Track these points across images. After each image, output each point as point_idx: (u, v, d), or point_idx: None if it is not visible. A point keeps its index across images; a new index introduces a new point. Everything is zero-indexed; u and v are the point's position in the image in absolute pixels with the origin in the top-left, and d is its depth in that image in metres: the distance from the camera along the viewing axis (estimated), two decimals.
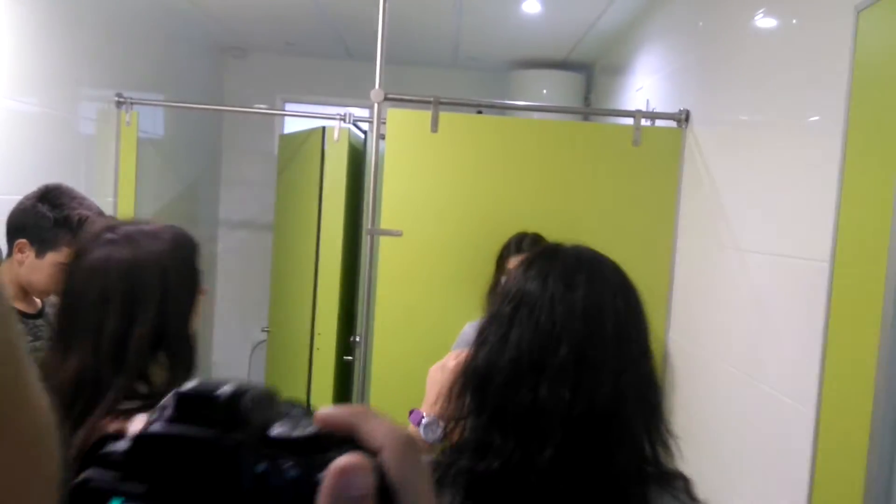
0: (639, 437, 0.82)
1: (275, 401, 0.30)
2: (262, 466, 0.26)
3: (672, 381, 2.22)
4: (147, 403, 0.98)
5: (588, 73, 3.87)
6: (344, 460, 0.26)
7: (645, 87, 2.71)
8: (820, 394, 1.35)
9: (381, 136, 2.28)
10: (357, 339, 2.82)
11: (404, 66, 4.05)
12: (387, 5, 2.19)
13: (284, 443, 0.27)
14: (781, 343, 1.54)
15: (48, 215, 1.52)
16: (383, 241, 2.23)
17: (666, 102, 2.43)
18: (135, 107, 2.90)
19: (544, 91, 3.81)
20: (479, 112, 3.61)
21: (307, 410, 0.30)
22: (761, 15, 1.76)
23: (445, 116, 2.23)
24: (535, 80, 3.86)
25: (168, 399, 0.28)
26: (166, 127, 3.57)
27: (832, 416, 1.31)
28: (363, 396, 2.28)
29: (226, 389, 0.28)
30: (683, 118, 2.20)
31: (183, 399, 0.28)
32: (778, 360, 1.56)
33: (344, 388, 3.25)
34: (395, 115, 2.24)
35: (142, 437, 0.27)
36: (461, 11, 3.10)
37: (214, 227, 4.38)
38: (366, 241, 2.25)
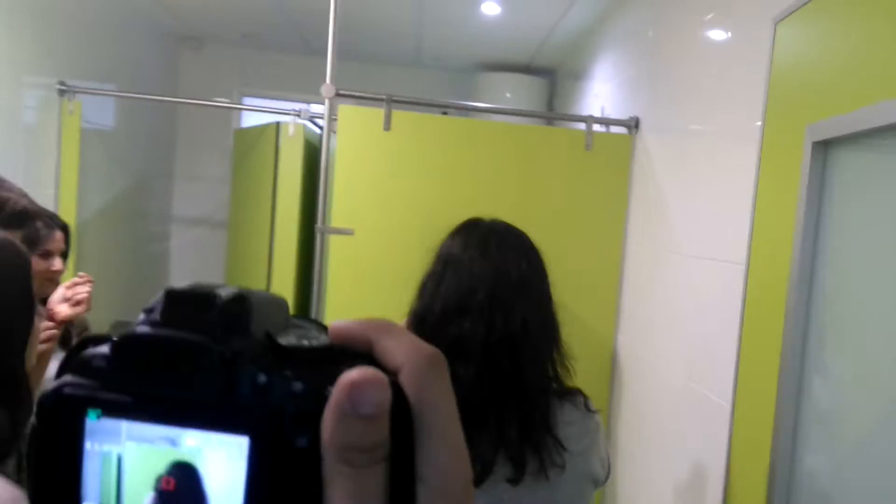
0: (543, 361, 1.08)
1: (283, 309, 0.26)
2: (262, 378, 0.23)
3: (620, 381, 2.24)
4: None
5: (552, 78, 3.90)
6: (356, 373, 0.22)
7: (601, 94, 2.73)
8: (735, 388, 1.40)
9: (335, 133, 2.24)
10: None
11: (367, 63, 4.02)
12: None
13: (290, 353, 0.24)
14: (710, 343, 1.59)
15: None
16: (334, 240, 2.19)
17: (620, 109, 2.45)
18: (78, 96, 2.81)
19: (508, 94, 3.82)
20: (445, 113, 3.59)
21: (320, 324, 0.26)
22: (699, 27, 1.79)
23: (399, 115, 2.21)
24: (499, 83, 3.87)
25: (157, 298, 0.24)
26: (116, 118, 3.46)
27: (744, 408, 1.36)
28: None
29: (226, 290, 0.24)
30: (633, 125, 2.22)
31: (174, 298, 0.24)
32: (707, 359, 1.60)
33: None
34: (346, 111, 2.21)
35: (124, 341, 0.23)
36: (420, 9, 3.08)
37: (167, 223, 4.27)
38: (317, 239, 2.22)
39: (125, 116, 3.53)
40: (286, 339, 0.24)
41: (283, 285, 3.03)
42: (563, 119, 2.60)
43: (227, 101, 4.06)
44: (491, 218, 1.20)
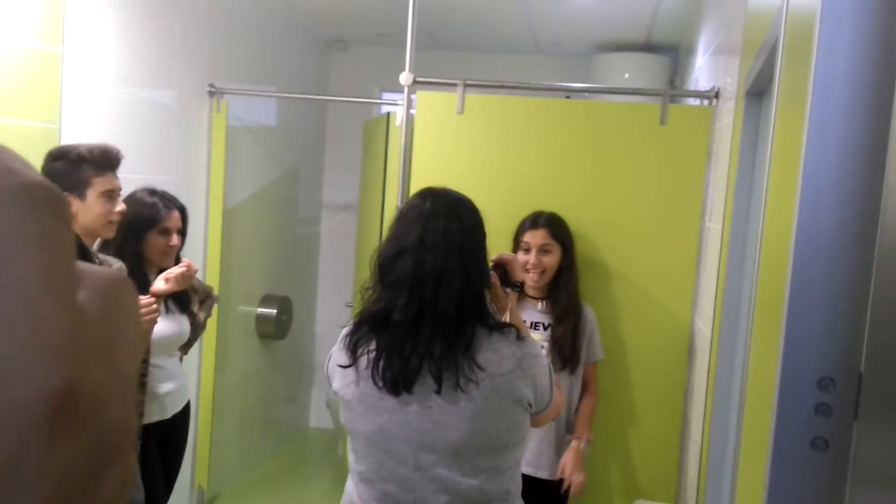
0: (462, 295, 1.24)
1: None
2: None
3: (694, 366, 2.14)
4: None
5: (675, 54, 3.71)
6: None
7: (700, 66, 2.59)
8: None
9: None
10: None
11: (490, 53, 4.14)
12: None
13: None
14: None
15: (60, 167, 1.69)
16: None
17: (710, 81, 2.31)
18: (226, 96, 3.26)
19: (626, 75, 3.71)
20: (568, 97, 3.59)
21: None
22: None
23: (472, 98, 2.30)
24: (617, 63, 3.77)
25: None
26: (271, 116, 3.96)
27: None
28: None
29: None
30: (714, 96, 2.10)
31: None
32: None
33: None
34: (423, 97, 2.35)
35: None
36: None
37: (318, 209, 4.76)
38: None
39: (278, 114, 4.02)
40: None
41: None
42: (637, 94, 2.51)
43: (366, 97, 4.41)
44: (443, 187, 1.42)
